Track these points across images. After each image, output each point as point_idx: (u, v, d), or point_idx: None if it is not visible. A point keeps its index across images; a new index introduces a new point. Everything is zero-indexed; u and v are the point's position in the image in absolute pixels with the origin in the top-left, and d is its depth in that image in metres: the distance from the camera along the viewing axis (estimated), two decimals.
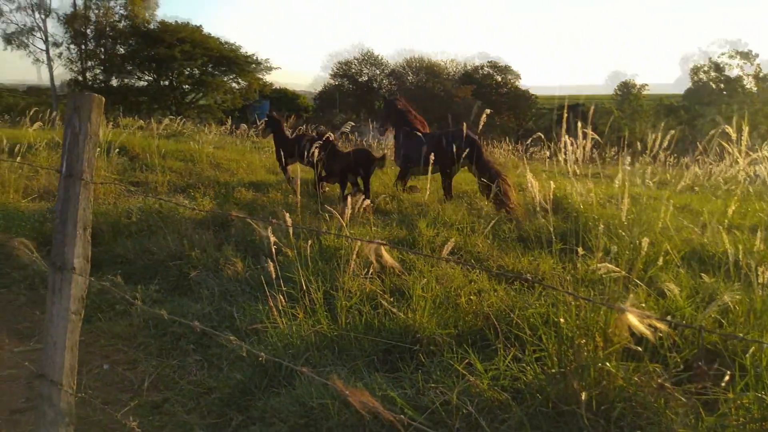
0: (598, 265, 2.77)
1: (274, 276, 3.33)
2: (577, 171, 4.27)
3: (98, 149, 7.92)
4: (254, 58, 44.75)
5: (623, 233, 3.94)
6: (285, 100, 47.64)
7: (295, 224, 3.26)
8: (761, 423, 2.32)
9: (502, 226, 6.00)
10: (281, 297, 3.40)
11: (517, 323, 3.22)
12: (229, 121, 15.93)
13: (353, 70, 59.10)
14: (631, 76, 53.15)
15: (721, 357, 2.76)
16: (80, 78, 41.89)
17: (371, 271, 3.92)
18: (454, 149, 7.01)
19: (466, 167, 7.59)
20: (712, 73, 46.50)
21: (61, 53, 42.35)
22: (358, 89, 57.52)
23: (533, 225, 5.82)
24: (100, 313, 3.99)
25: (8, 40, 41.49)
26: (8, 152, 7.92)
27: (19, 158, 7.30)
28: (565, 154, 3.94)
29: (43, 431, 2.04)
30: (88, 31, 42.06)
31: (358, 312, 3.51)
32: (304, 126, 17.33)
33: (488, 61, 58.93)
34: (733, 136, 3.72)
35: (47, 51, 42.13)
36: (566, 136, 3.74)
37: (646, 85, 50.72)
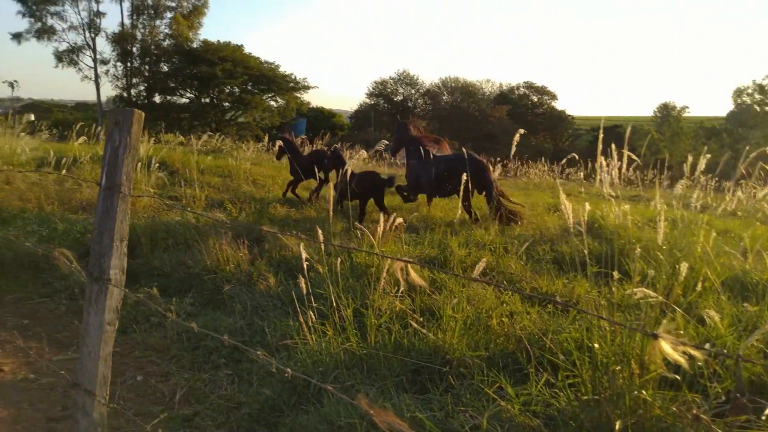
0: (635, 289, 2.70)
1: (304, 292, 3.35)
2: (613, 193, 4.19)
3: (139, 164, 8.18)
4: (293, 77, 45.64)
5: (662, 257, 3.84)
6: (321, 118, 48.32)
7: (326, 241, 3.27)
8: None
9: (536, 247, 5.92)
10: (311, 313, 3.41)
11: (550, 348, 3.16)
12: (266, 138, 16.19)
13: (389, 90, 59.63)
14: (681, 108, 51.96)
15: (764, 389, 2.65)
16: (125, 94, 43.38)
17: (401, 289, 3.91)
18: (464, 171, 7.05)
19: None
20: (756, 96, 45.28)
21: (108, 71, 44.05)
22: (393, 108, 57.95)
23: (568, 247, 5.72)
24: (136, 325, 4.07)
25: (59, 57, 43.37)
26: (54, 165, 8.22)
27: (64, 171, 7.57)
28: (600, 175, 3.87)
29: None
30: (134, 49, 43.62)
31: (387, 331, 3.50)
32: (339, 143, 17.50)
33: (524, 82, 58.67)
34: None
35: (95, 68, 43.85)
36: (601, 158, 3.67)
37: (687, 107, 49.71)
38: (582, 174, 13.78)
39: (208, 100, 44.40)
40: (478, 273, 3.28)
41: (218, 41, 44.34)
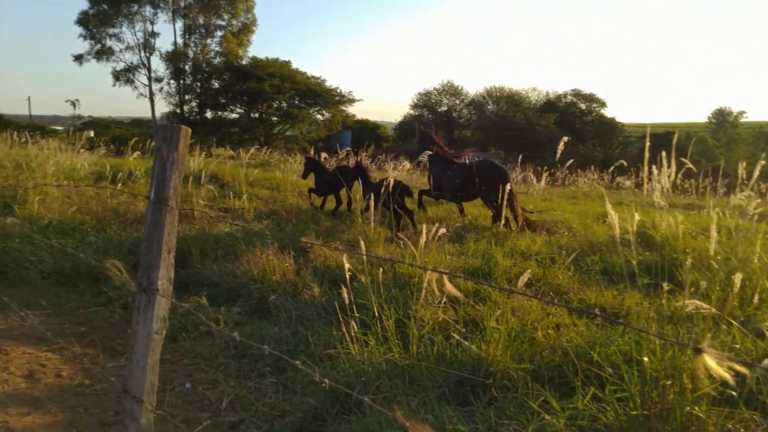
0: (686, 301, 2.61)
1: (347, 302, 3.37)
2: (663, 202, 4.06)
3: (191, 177, 8.44)
4: (338, 90, 46.28)
5: (717, 267, 3.69)
6: (366, 130, 48.78)
7: (360, 252, 3.29)
8: None
9: (585, 258, 5.79)
10: (354, 323, 3.43)
11: (597, 361, 3.07)
12: (312, 151, 16.47)
13: (433, 101, 59.64)
14: (738, 113, 50.04)
15: None
16: (178, 111, 44.98)
17: (443, 300, 3.89)
18: (484, 179, 7.44)
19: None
20: None
21: (162, 88, 45.83)
22: (437, 119, 57.90)
23: (618, 258, 5.56)
24: (185, 333, 4.18)
25: (117, 76, 45.41)
26: (111, 179, 8.59)
27: (120, 185, 7.89)
28: (649, 183, 3.75)
29: None
30: (187, 67, 45.21)
31: (430, 341, 3.48)
32: (384, 155, 17.61)
33: (572, 90, 57.63)
34: None
35: (150, 86, 45.67)
36: (647, 165, 3.56)
37: (744, 112, 47.76)
38: (632, 182, 13.40)
39: (257, 115, 45.50)
40: (522, 284, 3.23)
41: (266, 58, 45.50)
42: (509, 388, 3.08)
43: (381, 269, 3.92)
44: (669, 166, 3.91)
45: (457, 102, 59.52)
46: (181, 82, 45.27)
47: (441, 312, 3.86)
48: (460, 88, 59.21)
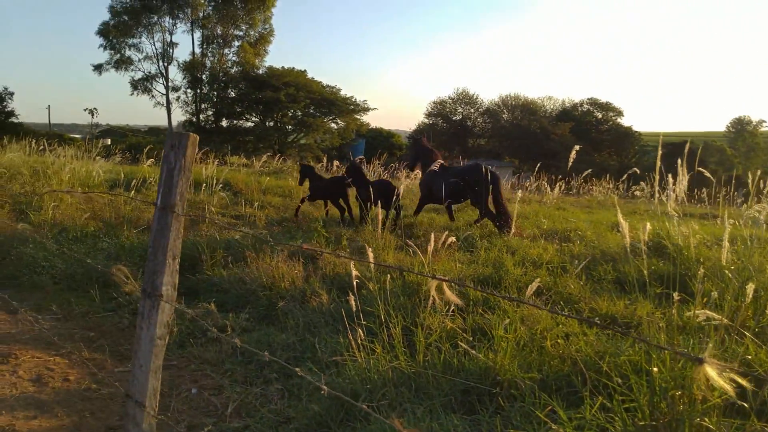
0: (697, 311, 2.56)
1: (354, 309, 3.35)
2: (675, 211, 4.00)
3: (203, 185, 8.50)
4: (353, 99, 46.50)
5: (731, 277, 3.62)
6: (380, 138, 48.90)
7: (377, 260, 3.28)
8: None
9: (597, 267, 5.72)
10: (360, 330, 3.41)
11: (607, 371, 3.02)
12: (325, 159, 16.55)
13: (447, 109, 59.62)
14: (758, 122, 49.43)
15: None
16: (194, 119, 45.50)
17: (452, 308, 3.85)
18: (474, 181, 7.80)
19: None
20: None
21: (178, 97, 46.45)
22: (451, 127, 57.83)
23: (632, 267, 5.49)
24: (193, 339, 4.19)
25: (135, 86, 46.12)
26: (125, 186, 8.68)
27: (133, 192, 7.96)
28: (662, 192, 3.70)
29: None
30: (204, 76, 45.76)
31: (437, 350, 3.45)
32: (397, 163, 17.61)
33: (588, 98, 57.33)
34: None
35: (167, 95, 46.31)
36: (661, 174, 3.52)
37: (764, 121, 47.14)
38: (648, 191, 13.24)
39: (272, 124, 45.86)
40: (531, 293, 3.20)
41: (282, 67, 45.88)
42: (516, 398, 3.04)
43: (389, 277, 3.89)
44: (684, 175, 3.85)
45: (472, 111, 59.44)
46: (198, 91, 45.84)
47: (449, 320, 3.83)
48: (474, 97, 59.17)
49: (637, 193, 14.90)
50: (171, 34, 46.46)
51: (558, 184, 14.27)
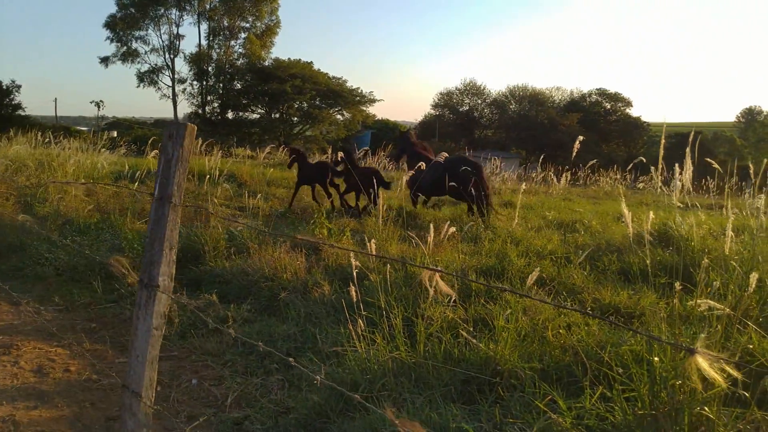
0: (699, 301, 2.52)
1: (355, 300, 3.34)
2: (681, 202, 3.95)
3: (207, 176, 8.49)
4: (359, 91, 46.37)
5: (738, 268, 3.57)
6: (386, 129, 48.73)
7: (377, 251, 3.26)
8: None
9: (602, 257, 5.68)
10: (360, 321, 3.39)
11: (608, 361, 2.99)
12: (330, 150, 16.52)
13: (454, 100, 59.34)
14: None
15: None
16: (200, 111, 45.55)
17: (453, 298, 3.83)
18: (462, 174, 8.04)
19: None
20: None
21: (185, 89, 46.48)
22: (458, 118, 57.55)
23: (636, 257, 5.44)
24: (194, 330, 4.19)
25: (141, 78, 46.22)
26: (130, 178, 8.69)
27: (137, 184, 7.97)
28: (666, 183, 3.65)
29: None
30: (210, 68, 45.76)
31: (438, 340, 3.43)
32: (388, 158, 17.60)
33: (596, 89, 56.87)
34: None
35: (173, 87, 46.40)
36: (666, 165, 3.46)
37: None
38: (655, 182, 13.12)
39: (277, 115, 45.82)
40: (531, 283, 3.17)
41: (289, 59, 45.79)
42: (516, 387, 3.02)
43: (388, 267, 3.87)
44: (690, 166, 3.79)
45: (479, 102, 59.17)
46: (204, 83, 45.86)
47: (450, 311, 3.81)
48: (482, 88, 58.87)
49: (640, 185, 14.80)
50: (178, 26, 46.51)
51: (564, 175, 14.19)
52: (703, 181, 14.13)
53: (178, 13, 45.91)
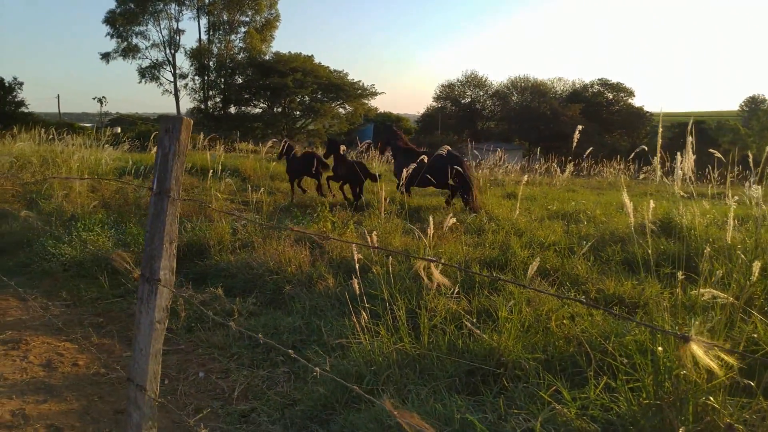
0: (702, 290, 2.53)
1: (358, 292, 3.35)
2: (684, 191, 3.94)
3: (210, 171, 8.51)
4: (361, 84, 46.29)
5: (743, 257, 3.57)
6: (388, 122, 48.67)
7: (379, 244, 3.27)
8: None
9: (606, 248, 5.69)
10: (364, 313, 3.41)
11: (612, 351, 3.00)
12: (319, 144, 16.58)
13: (456, 92, 59.14)
14: None
15: None
16: (202, 106, 45.57)
17: (456, 290, 3.85)
18: (448, 167, 8.40)
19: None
20: None
21: (186, 84, 46.49)
22: (460, 111, 57.36)
23: (641, 248, 5.45)
24: (201, 323, 4.22)
25: (142, 73, 46.22)
26: (134, 174, 8.72)
27: (141, 179, 8.00)
28: (666, 172, 3.65)
29: None
30: (211, 63, 45.72)
31: (442, 332, 3.45)
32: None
33: (599, 79, 56.59)
34: None
35: (175, 83, 46.41)
36: (664, 154, 3.46)
37: None
38: (659, 172, 13.07)
39: (279, 110, 45.80)
40: (532, 273, 3.18)
41: (289, 52, 45.72)
42: (520, 378, 3.04)
43: (391, 259, 3.89)
44: (691, 155, 3.79)
45: (481, 93, 58.95)
46: (205, 78, 45.84)
47: (453, 302, 3.83)
48: (483, 79, 58.63)
49: (641, 176, 14.73)
50: (177, 21, 46.47)
51: (568, 166, 14.16)
52: (707, 170, 14.08)
53: (177, 7, 45.89)
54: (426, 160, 8.32)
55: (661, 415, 2.34)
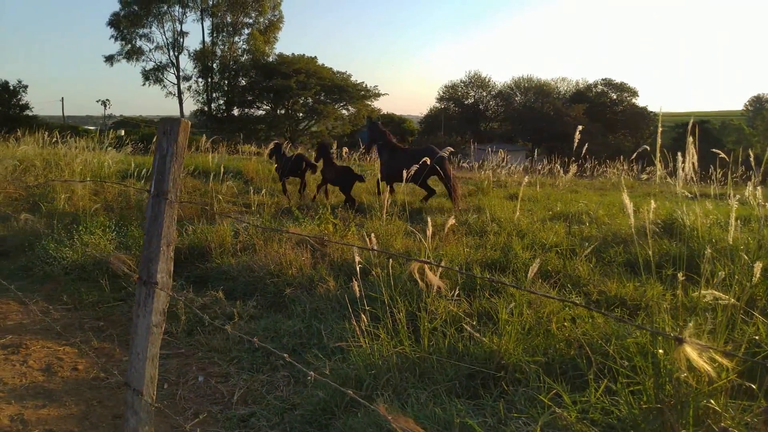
0: (703, 291, 2.51)
1: (358, 295, 3.34)
2: (686, 191, 3.92)
3: (212, 173, 8.52)
4: (364, 85, 46.31)
5: (746, 257, 3.55)
6: (392, 124, 48.68)
7: (381, 246, 3.26)
8: None
9: (608, 249, 5.66)
10: (364, 317, 3.39)
11: (613, 354, 2.98)
12: (335, 145, 16.58)
13: (459, 93, 59.10)
14: None
15: None
16: (206, 108, 45.68)
17: (456, 292, 3.83)
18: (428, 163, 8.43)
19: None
20: None
21: (190, 86, 46.62)
22: (463, 111, 57.30)
23: (642, 249, 5.42)
24: (201, 327, 4.21)
25: (146, 76, 46.37)
26: (136, 176, 8.73)
27: (143, 182, 8.00)
28: (669, 172, 3.63)
29: None
30: (214, 65, 45.83)
31: (442, 335, 3.43)
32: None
33: (602, 79, 56.47)
34: None
35: (178, 85, 46.53)
36: (664, 154, 3.44)
37: None
38: (660, 173, 13.02)
39: (283, 111, 45.88)
40: (533, 275, 3.16)
41: (293, 54, 45.78)
42: (521, 382, 3.02)
43: (391, 262, 3.87)
44: (693, 155, 3.76)
45: (484, 94, 58.91)
46: (209, 80, 45.95)
47: (454, 305, 3.81)
48: (487, 80, 58.59)
49: (644, 176, 14.67)
50: (181, 23, 46.64)
51: (571, 167, 14.10)
52: (710, 170, 14.02)
53: (180, 9, 46.05)
54: (403, 157, 8.59)
55: (662, 418, 2.32)
